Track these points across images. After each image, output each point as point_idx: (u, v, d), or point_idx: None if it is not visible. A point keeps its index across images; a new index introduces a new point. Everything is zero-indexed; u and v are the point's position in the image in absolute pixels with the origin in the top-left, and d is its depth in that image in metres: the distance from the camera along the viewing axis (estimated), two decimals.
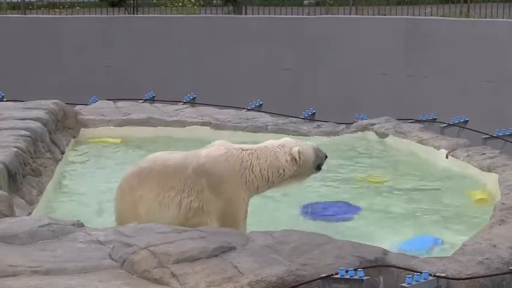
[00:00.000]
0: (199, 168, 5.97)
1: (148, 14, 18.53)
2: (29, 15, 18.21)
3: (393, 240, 6.26)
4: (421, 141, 9.29)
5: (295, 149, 6.18)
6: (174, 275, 4.77)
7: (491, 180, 7.66)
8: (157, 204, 6.03)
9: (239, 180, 6.04)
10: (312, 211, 7.32)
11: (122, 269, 4.97)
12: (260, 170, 6.11)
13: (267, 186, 6.22)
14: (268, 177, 6.13)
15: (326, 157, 6.40)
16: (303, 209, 7.38)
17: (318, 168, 6.41)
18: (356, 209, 7.38)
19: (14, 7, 19.54)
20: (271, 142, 6.33)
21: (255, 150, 6.18)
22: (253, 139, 9.87)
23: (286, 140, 6.38)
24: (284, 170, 6.16)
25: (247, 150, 6.17)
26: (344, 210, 7.37)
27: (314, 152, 6.32)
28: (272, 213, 7.23)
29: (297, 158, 6.18)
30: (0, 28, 16.67)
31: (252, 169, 6.10)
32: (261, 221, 6.82)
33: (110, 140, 9.81)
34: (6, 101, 11.79)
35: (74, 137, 9.98)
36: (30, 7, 18.93)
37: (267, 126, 10.22)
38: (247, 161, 6.10)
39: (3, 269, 4.90)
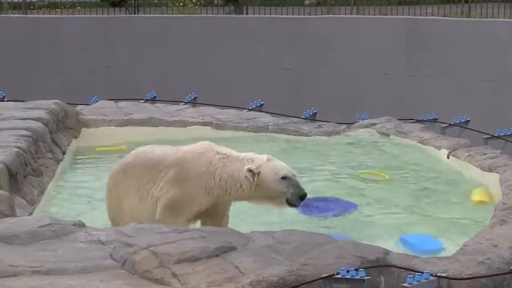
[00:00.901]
0: (173, 162, 5.97)
1: (150, 14, 18.53)
2: (30, 15, 18.21)
3: (389, 238, 6.28)
4: (422, 141, 9.29)
5: (247, 167, 5.77)
6: (175, 275, 4.77)
7: (492, 180, 7.65)
8: (137, 198, 6.07)
9: (200, 183, 5.87)
10: (309, 207, 7.34)
11: (122, 269, 4.97)
12: (220, 179, 5.85)
13: (228, 197, 5.91)
14: (227, 189, 5.86)
15: (303, 197, 5.80)
16: (302, 208, 7.38)
17: (289, 202, 5.83)
18: (352, 206, 7.41)
19: (15, 7, 19.54)
20: (250, 154, 5.97)
21: (227, 157, 5.91)
22: (254, 139, 9.91)
23: (263, 157, 5.90)
24: (241, 186, 5.81)
25: (221, 155, 5.93)
26: (340, 207, 7.40)
27: (277, 179, 5.75)
28: (269, 209, 7.25)
29: (248, 176, 5.76)
30: (2, 28, 16.68)
31: (214, 176, 5.87)
32: (258, 216, 6.86)
33: (115, 148, 9.63)
34: (7, 101, 11.81)
35: (75, 137, 9.98)
36: (32, 7, 18.93)
37: (268, 126, 10.22)
38: (214, 166, 5.88)
39: (4, 269, 4.90)
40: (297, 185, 5.78)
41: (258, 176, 5.76)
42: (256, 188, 5.79)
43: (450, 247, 5.94)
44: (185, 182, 5.88)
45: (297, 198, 5.77)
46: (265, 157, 5.86)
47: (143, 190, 6.05)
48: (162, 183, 5.94)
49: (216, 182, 5.85)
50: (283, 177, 5.74)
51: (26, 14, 18.36)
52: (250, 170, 5.74)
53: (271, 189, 5.77)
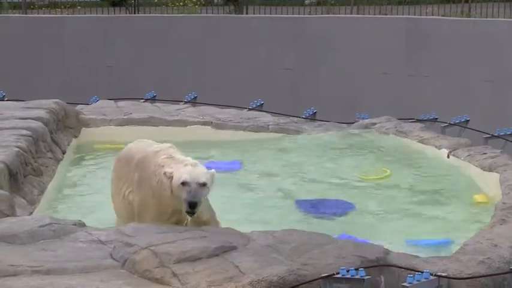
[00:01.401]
0: (137, 162, 5.95)
1: (149, 13, 18.52)
2: (30, 15, 18.20)
3: (390, 238, 6.29)
4: (422, 141, 9.29)
5: (164, 170, 5.64)
6: (175, 275, 4.77)
7: (492, 179, 7.65)
8: (117, 196, 6.12)
9: (148, 184, 5.78)
10: (306, 207, 7.37)
11: (123, 269, 4.97)
12: (158, 181, 5.71)
13: (166, 200, 5.68)
14: (161, 190, 5.69)
15: (190, 204, 5.49)
16: (297, 205, 7.44)
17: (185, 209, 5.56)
18: (350, 206, 7.41)
19: (15, 6, 19.53)
20: (188, 159, 5.79)
21: (170, 159, 5.77)
22: (254, 138, 9.90)
23: (190, 162, 5.71)
24: (165, 189, 5.65)
25: (167, 157, 5.79)
26: (337, 207, 7.40)
27: (177, 184, 5.56)
28: (266, 208, 7.28)
29: (163, 179, 5.65)
30: (2, 28, 16.67)
31: (156, 177, 5.73)
32: (254, 214, 6.86)
33: (114, 146, 9.65)
34: (7, 100, 11.79)
35: (76, 137, 9.98)
36: (32, 7, 18.91)
37: (268, 125, 10.21)
38: (158, 167, 5.74)
39: (4, 269, 4.90)
40: (189, 191, 5.51)
41: (172, 180, 5.61)
42: (173, 192, 5.61)
43: (452, 245, 5.96)
44: (142, 185, 5.84)
45: (186, 204, 5.50)
46: (190, 162, 5.69)
47: (117, 185, 6.12)
48: (132, 185, 5.95)
49: (156, 184, 5.73)
50: (183, 183, 5.54)
51: (26, 13, 18.35)
52: (165, 173, 5.64)
53: (177, 194, 5.58)
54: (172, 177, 5.61)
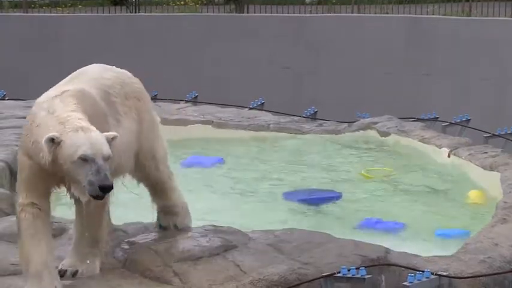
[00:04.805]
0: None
1: (150, 12, 18.53)
2: (31, 14, 18.21)
3: (389, 237, 6.35)
4: (422, 140, 9.28)
5: (49, 134, 4.31)
6: (176, 274, 4.77)
7: (493, 179, 7.65)
8: None
9: (23, 144, 4.60)
10: (294, 197, 7.53)
11: (123, 268, 4.97)
12: (33, 142, 4.44)
13: (49, 167, 4.40)
14: (34, 155, 4.45)
15: (104, 189, 4.26)
16: (286, 196, 7.59)
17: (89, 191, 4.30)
18: (337, 195, 7.57)
19: (16, 5, 19.55)
20: (76, 116, 4.41)
21: (52, 114, 4.45)
22: (255, 137, 9.90)
23: (82, 125, 4.36)
24: (43, 156, 4.37)
25: (48, 112, 4.47)
26: (325, 196, 7.57)
27: (73, 159, 4.28)
28: (255, 203, 7.39)
29: (45, 146, 4.32)
30: (2, 26, 16.67)
31: (32, 137, 4.48)
32: (259, 214, 6.93)
33: None
34: (7, 99, 11.79)
35: None
36: (32, 6, 18.92)
37: (269, 125, 10.21)
38: (35, 124, 4.50)
39: (5, 268, 4.91)
40: (97, 171, 4.26)
41: (58, 147, 4.32)
42: (53, 163, 4.35)
43: (452, 245, 5.95)
44: (21, 141, 4.69)
45: (95, 188, 4.26)
46: (83, 125, 4.37)
47: None
48: None
49: (30, 146, 4.49)
50: (82, 158, 4.28)
51: (26, 12, 18.36)
52: (51, 140, 4.31)
53: (65, 169, 4.34)
54: (59, 143, 4.32)
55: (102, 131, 4.46)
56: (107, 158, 4.33)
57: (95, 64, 5.28)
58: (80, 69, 5.13)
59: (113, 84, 5.06)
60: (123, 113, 5.00)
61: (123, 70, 5.33)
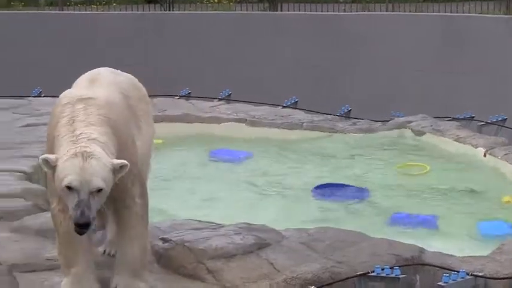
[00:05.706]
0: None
1: (184, 10, 18.58)
2: (66, 11, 18.38)
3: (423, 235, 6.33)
4: (458, 140, 9.21)
5: (45, 157, 4.17)
6: (209, 271, 4.79)
7: None
8: None
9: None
10: (323, 193, 7.59)
11: (157, 264, 4.99)
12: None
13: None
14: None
15: (77, 225, 4.04)
16: (316, 192, 7.66)
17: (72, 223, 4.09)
18: (365, 193, 7.58)
19: (51, 3, 19.76)
20: (86, 136, 4.18)
21: (64, 136, 4.23)
22: (288, 136, 9.90)
23: (86, 148, 4.11)
24: (49, 176, 4.35)
25: (65, 126, 4.26)
26: (353, 193, 7.60)
27: (61, 186, 4.09)
28: (285, 197, 7.44)
29: (42, 166, 4.22)
30: (38, 24, 16.85)
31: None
32: (292, 212, 6.89)
33: None
34: (44, 96, 11.91)
35: None
36: (68, 3, 19.11)
37: (302, 123, 10.19)
38: (56, 134, 4.31)
39: (41, 263, 4.96)
40: (77, 205, 4.03)
41: (55, 170, 4.15)
42: (51, 183, 4.29)
43: (486, 246, 5.90)
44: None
45: (72, 219, 4.08)
46: (86, 150, 4.10)
47: None
48: None
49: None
50: (68, 187, 4.09)
51: (62, 10, 18.54)
52: (46, 161, 4.16)
53: (61, 195, 4.23)
54: (55, 167, 4.13)
55: (129, 141, 4.39)
56: (95, 191, 4.06)
57: (101, 68, 5.03)
58: (91, 72, 4.97)
59: (128, 87, 4.90)
60: (141, 117, 4.89)
61: (127, 74, 5.14)
